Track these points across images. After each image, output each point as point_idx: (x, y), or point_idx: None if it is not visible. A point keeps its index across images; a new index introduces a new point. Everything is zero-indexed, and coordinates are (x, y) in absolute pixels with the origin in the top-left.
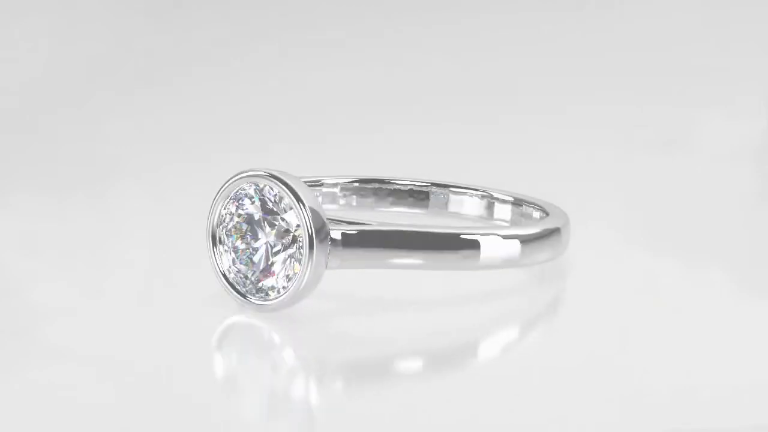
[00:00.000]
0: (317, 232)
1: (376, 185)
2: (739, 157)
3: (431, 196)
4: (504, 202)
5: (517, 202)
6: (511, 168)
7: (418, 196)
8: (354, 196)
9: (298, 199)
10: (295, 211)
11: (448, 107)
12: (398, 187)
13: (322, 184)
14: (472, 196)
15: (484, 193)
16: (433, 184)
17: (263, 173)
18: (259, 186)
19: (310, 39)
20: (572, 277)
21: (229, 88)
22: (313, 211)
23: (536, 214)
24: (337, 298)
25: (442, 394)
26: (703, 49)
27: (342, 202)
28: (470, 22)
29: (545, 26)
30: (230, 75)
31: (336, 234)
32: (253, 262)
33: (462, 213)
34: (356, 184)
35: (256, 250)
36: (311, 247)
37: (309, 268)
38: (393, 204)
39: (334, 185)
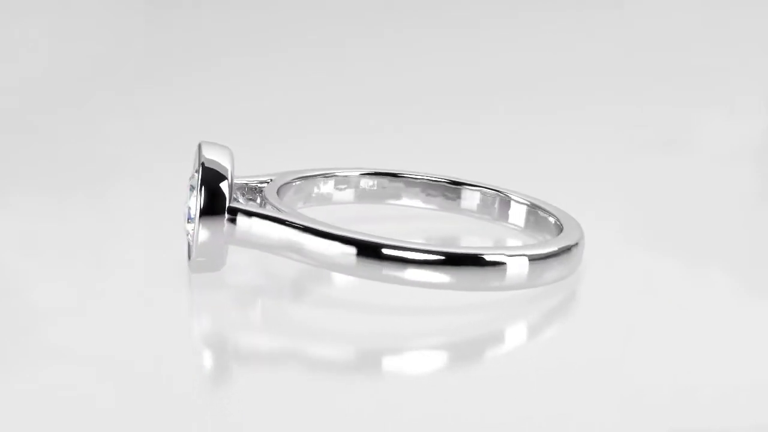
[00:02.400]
0: (209, 204)
1: (389, 179)
2: (739, 157)
3: (448, 193)
4: (520, 204)
5: (533, 207)
6: (511, 167)
7: (429, 191)
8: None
9: (203, 169)
10: (195, 181)
11: (447, 107)
12: (411, 180)
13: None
14: (492, 196)
15: (502, 195)
16: (449, 182)
17: (199, 144)
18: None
19: (310, 39)
20: (571, 278)
21: (229, 87)
22: (209, 184)
23: (551, 219)
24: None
25: (442, 393)
26: (703, 49)
27: (357, 190)
28: (469, 22)
29: (544, 26)
30: (230, 75)
31: (234, 212)
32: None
33: (476, 212)
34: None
35: (187, 216)
36: (200, 215)
37: (197, 236)
38: (401, 198)
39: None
